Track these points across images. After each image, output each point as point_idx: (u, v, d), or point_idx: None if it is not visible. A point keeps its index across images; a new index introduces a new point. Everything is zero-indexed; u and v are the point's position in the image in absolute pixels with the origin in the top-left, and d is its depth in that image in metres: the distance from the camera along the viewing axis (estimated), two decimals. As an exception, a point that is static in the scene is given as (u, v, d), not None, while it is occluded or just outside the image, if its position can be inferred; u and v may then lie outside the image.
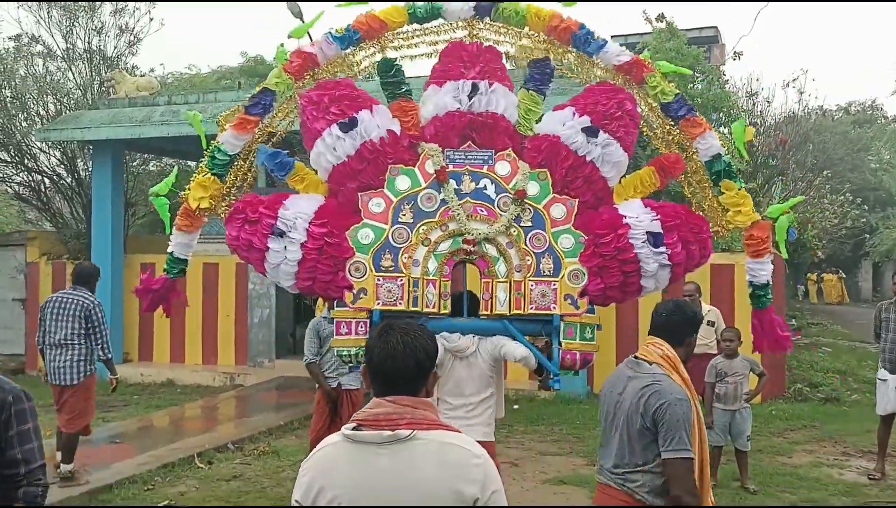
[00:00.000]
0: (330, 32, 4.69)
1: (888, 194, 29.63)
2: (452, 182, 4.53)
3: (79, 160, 14.95)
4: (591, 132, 4.51)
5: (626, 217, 4.51)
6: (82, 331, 6.74)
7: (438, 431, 2.13)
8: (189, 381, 12.56)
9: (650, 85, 4.70)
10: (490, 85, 4.57)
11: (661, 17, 11.95)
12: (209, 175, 4.62)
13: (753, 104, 15.40)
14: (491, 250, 4.52)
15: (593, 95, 4.65)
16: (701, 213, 4.77)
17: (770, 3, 28.89)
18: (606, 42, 4.77)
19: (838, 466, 7.52)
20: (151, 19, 16.01)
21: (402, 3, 4.72)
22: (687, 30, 13.01)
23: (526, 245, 4.50)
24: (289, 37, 4.78)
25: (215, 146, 4.62)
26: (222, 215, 4.66)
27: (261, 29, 59.21)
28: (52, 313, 6.77)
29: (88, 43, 14.98)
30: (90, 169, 14.21)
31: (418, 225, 4.50)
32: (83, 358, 6.77)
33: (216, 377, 12.49)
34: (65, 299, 6.79)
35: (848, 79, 72.36)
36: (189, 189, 4.66)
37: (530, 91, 4.78)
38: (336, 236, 4.41)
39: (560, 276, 4.46)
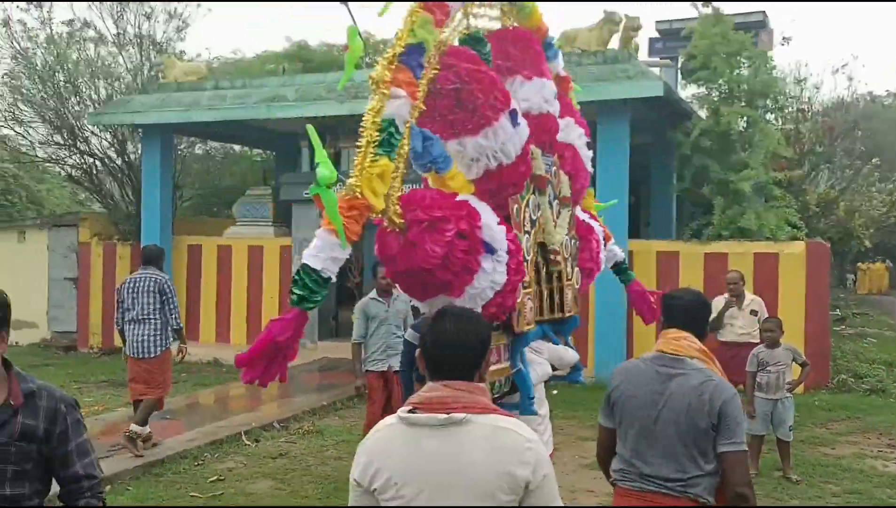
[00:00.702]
0: None
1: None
2: (548, 188, 4.30)
3: (129, 143, 15.29)
4: (589, 147, 4.84)
5: (586, 222, 4.84)
6: (158, 306, 7.23)
7: (492, 415, 2.18)
8: (234, 361, 12.79)
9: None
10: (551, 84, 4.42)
11: (707, 3, 11.80)
12: (386, 160, 3.11)
13: (801, 90, 15.14)
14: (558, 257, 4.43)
15: (568, 110, 4.81)
16: None
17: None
18: (559, 54, 4.94)
19: (882, 458, 7.45)
20: (199, 5, 16.23)
21: None
22: (734, 15, 12.81)
23: (563, 251, 4.45)
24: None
25: (390, 120, 3.16)
26: (395, 218, 3.25)
27: (305, 14, 59.52)
28: (129, 293, 7.27)
29: (138, 28, 15.27)
30: (140, 152, 14.53)
31: (532, 234, 4.12)
32: (159, 332, 7.26)
33: (260, 357, 12.73)
34: (139, 279, 7.30)
35: (900, 63, 70.24)
36: (359, 181, 3.04)
37: None
38: (520, 251, 3.73)
39: (573, 279, 4.60)
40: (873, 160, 16.17)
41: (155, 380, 7.29)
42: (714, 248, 10.75)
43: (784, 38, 13.43)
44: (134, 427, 7.09)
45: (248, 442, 7.78)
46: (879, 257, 31.20)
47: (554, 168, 4.48)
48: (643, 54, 13.59)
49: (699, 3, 11.94)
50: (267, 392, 10.19)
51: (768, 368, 6.77)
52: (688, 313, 3.19)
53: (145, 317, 7.20)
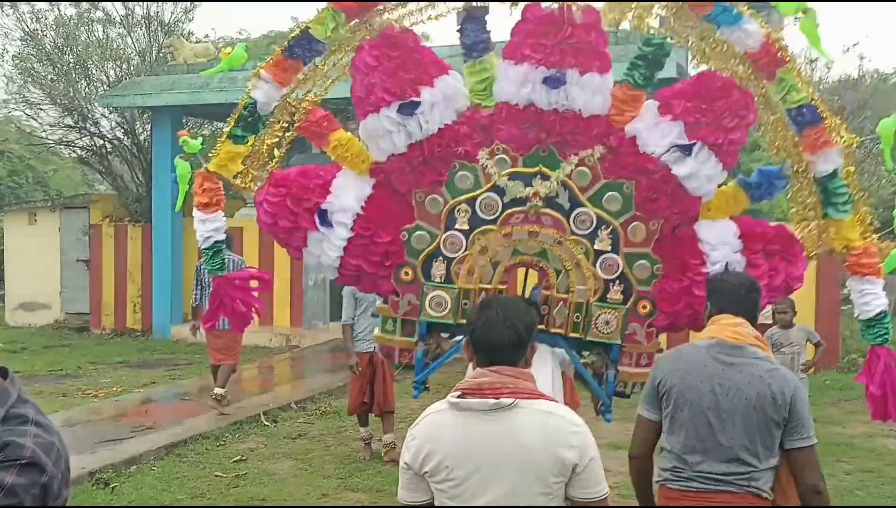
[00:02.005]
0: None
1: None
2: (519, 185, 3.83)
3: (137, 124, 15.30)
4: (685, 150, 3.72)
5: (702, 241, 3.91)
6: None
7: (538, 400, 2.27)
8: (247, 342, 12.72)
9: (780, 85, 3.74)
10: (575, 73, 3.66)
11: (719, -18, 11.71)
12: (240, 145, 3.95)
13: (813, 69, 15.06)
14: (555, 264, 3.89)
15: (699, 96, 3.75)
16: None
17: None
18: (743, 17, 3.67)
19: (894, 436, 7.53)
20: (206, -15, 16.11)
21: None
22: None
23: (594, 268, 3.85)
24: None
25: (248, 101, 3.88)
26: (251, 189, 4.03)
27: (306, -10, 59.08)
28: (208, 272, 7.70)
29: (147, 9, 15.22)
30: (150, 134, 14.55)
31: (474, 233, 3.87)
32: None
33: (273, 338, 12.83)
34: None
35: (907, 39, 69.64)
36: (214, 154, 3.97)
37: (635, 78, 3.81)
38: (384, 239, 3.96)
39: (628, 304, 3.87)
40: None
41: (230, 348, 8.02)
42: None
43: (796, 18, 13.25)
44: (218, 390, 7.96)
45: (266, 423, 7.88)
46: (892, 237, 31.15)
47: (580, 169, 3.82)
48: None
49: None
50: (281, 374, 10.32)
51: (783, 349, 6.82)
52: (739, 295, 2.97)
53: None
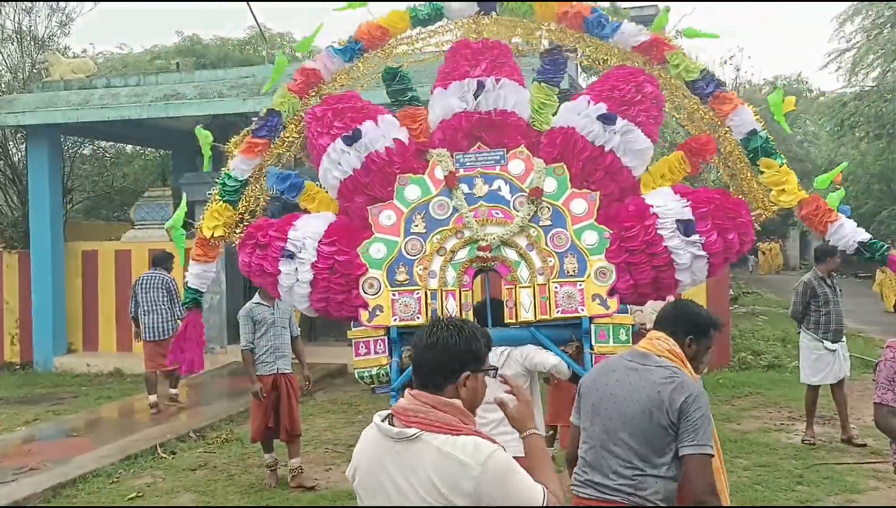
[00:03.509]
0: (332, 46, 4.57)
1: (813, 165, 30.78)
2: (464, 186, 4.26)
3: (10, 144, 14.40)
4: (607, 120, 4.15)
5: (652, 207, 4.15)
6: (166, 299, 9.35)
7: (445, 436, 2.12)
8: (138, 370, 12.20)
9: (672, 64, 4.36)
10: (497, 81, 4.24)
11: (604, -3, 12.12)
12: (221, 203, 4.53)
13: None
14: (511, 254, 4.21)
15: (610, 81, 4.28)
16: (741, 196, 4.37)
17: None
18: (621, 23, 4.45)
19: (785, 430, 7.90)
20: (83, -2, 15.41)
21: (403, 7, 4.52)
22: (627, 8, 13.21)
23: (547, 246, 4.17)
24: (294, 52, 4.69)
25: (225, 173, 4.54)
26: (235, 243, 4.54)
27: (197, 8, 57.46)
28: (142, 289, 9.39)
29: (18, 23, 14.38)
30: (24, 155, 13.71)
31: (432, 235, 4.25)
32: (169, 318, 9.34)
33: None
34: (152, 278, 9.43)
35: (778, 52, 74.51)
36: (202, 219, 4.57)
37: (542, 84, 4.45)
38: (346, 254, 4.23)
39: (586, 275, 4.12)
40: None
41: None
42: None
43: (677, 32, 13.86)
44: (171, 391, 9.56)
45: (164, 455, 7.49)
46: (772, 238, 32.93)
47: (515, 161, 4.26)
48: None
49: (596, -3, 12.24)
50: (176, 402, 9.84)
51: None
52: (665, 314, 3.15)
53: (156, 308, 9.29)
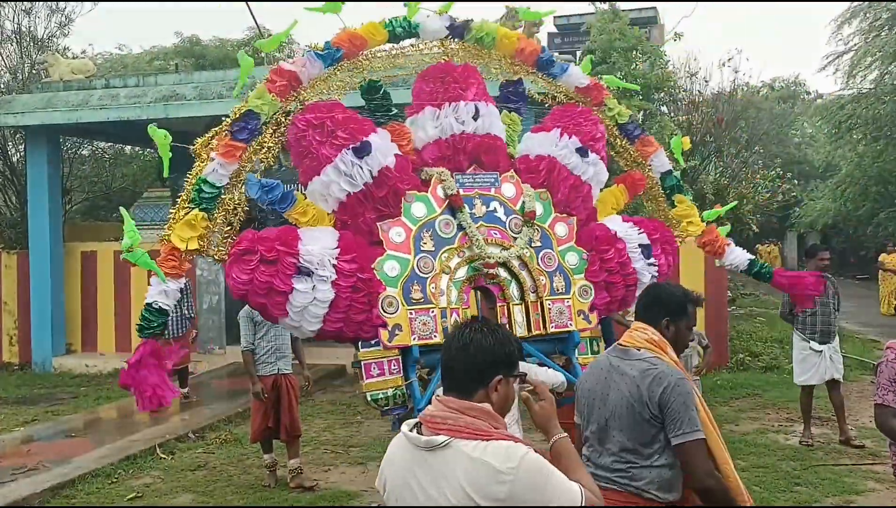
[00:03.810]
0: (312, 50, 4.33)
1: (811, 167, 30.81)
2: (466, 206, 4.37)
3: (9, 145, 14.40)
4: (583, 153, 4.67)
5: (616, 232, 4.69)
6: (182, 301, 9.30)
7: (476, 442, 2.05)
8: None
9: (608, 106, 5.06)
10: (487, 105, 4.51)
11: (604, -1, 12.17)
12: (196, 211, 3.94)
13: (692, 83, 15.80)
14: (503, 273, 4.40)
15: (572, 117, 4.76)
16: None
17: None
18: (569, 66, 5.02)
19: (783, 432, 7.91)
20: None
21: (380, 21, 4.46)
22: (627, 11, 13.24)
23: (539, 265, 4.45)
24: (257, 48, 4.45)
25: (200, 179, 3.98)
26: (216, 257, 4.06)
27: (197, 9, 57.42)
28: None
29: (18, 24, 14.38)
30: (23, 155, 13.70)
31: (440, 253, 4.26)
32: (181, 316, 9.56)
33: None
34: None
35: (777, 54, 74.58)
36: (171, 229, 3.96)
37: (510, 112, 4.83)
38: (367, 271, 4.06)
39: (571, 293, 4.53)
40: (756, 148, 17.04)
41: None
42: (618, 237, 11.07)
43: (676, 35, 13.92)
44: (181, 390, 9.57)
45: (163, 455, 7.50)
46: (771, 240, 32.96)
47: (507, 184, 4.53)
48: (542, 49, 13.88)
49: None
50: (177, 402, 9.84)
51: (678, 353, 7.04)
52: (640, 304, 3.22)
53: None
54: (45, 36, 14.82)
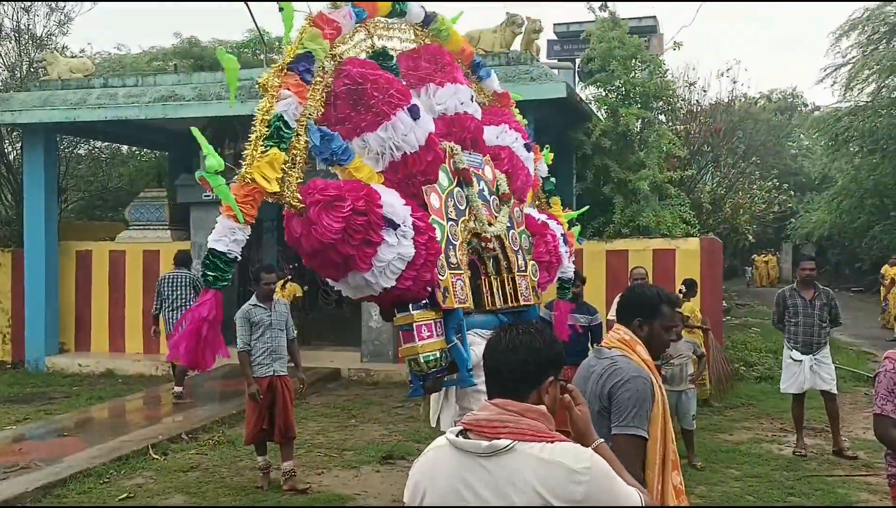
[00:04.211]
0: (352, 5, 4.30)
1: (807, 179, 30.93)
2: (475, 181, 4.71)
3: (6, 143, 14.36)
4: (527, 148, 5.44)
5: (542, 221, 5.52)
6: (190, 296, 9.57)
7: (541, 444, 1.99)
8: (130, 371, 12.30)
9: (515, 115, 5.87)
10: (465, 88, 4.97)
11: (604, 7, 12.19)
12: (275, 150, 3.66)
13: (691, 93, 15.86)
14: (497, 248, 4.85)
15: (503, 117, 5.45)
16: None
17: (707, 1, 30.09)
18: (491, 71, 5.83)
19: (777, 441, 7.91)
20: (83, -1, 15.40)
21: None
22: (627, 19, 13.27)
23: (511, 243, 4.83)
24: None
25: (276, 115, 3.74)
26: (291, 203, 3.80)
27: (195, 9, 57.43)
28: (168, 286, 9.79)
29: (17, 22, 14.35)
30: (20, 153, 13.67)
31: (460, 222, 4.53)
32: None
33: (158, 366, 12.23)
34: (177, 276, 9.85)
35: (774, 67, 74.87)
36: (250, 169, 3.63)
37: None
38: (432, 230, 4.08)
39: (528, 271, 5.02)
40: (753, 159, 17.11)
41: None
42: (615, 245, 11.11)
43: (675, 44, 13.96)
44: (175, 389, 9.69)
45: (156, 456, 7.46)
46: (769, 250, 33.01)
47: (487, 167, 4.92)
48: (542, 56, 13.88)
49: (596, 6, 12.31)
50: (170, 404, 9.84)
51: (672, 361, 7.05)
52: (619, 305, 3.28)
53: (181, 305, 9.58)
54: (43, 34, 14.81)
